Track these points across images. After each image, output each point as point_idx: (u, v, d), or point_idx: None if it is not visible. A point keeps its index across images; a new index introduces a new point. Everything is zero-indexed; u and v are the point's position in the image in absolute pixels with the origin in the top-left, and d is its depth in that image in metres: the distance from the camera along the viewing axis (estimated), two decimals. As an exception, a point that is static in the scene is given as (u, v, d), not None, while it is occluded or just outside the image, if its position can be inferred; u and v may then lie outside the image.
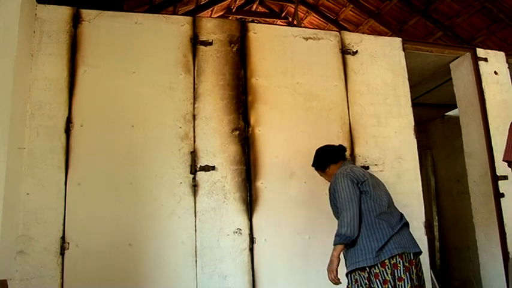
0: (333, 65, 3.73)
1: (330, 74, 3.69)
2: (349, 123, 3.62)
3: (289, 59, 3.62)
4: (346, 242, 2.54)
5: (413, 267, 2.55)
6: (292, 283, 3.22)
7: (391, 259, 2.50)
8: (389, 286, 2.45)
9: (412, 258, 2.57)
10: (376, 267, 2.50)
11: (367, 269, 2.52)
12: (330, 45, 3.78)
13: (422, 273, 2.66)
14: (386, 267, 2.49)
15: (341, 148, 3.00)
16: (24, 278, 2.77)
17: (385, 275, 2.48)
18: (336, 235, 2.57)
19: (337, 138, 3.51)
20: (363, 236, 2.57)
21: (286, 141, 3.43)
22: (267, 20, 8.65)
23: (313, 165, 3.04)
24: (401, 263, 2.50)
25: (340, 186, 2.64)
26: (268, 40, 3.63)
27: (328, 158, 2.96)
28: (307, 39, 3.74)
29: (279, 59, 3.60)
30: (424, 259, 3.48)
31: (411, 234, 2.70)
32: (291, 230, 3.29)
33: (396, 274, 2.48)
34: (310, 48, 3.72)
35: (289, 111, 3.50)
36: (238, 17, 8.25)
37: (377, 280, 2.49)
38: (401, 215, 2.72)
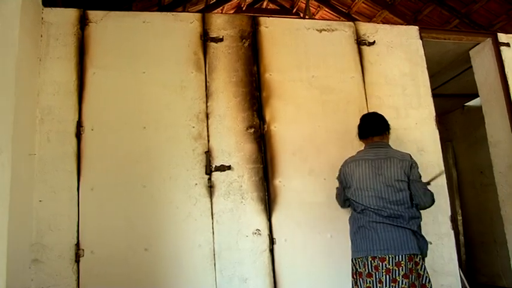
0: (348, 57, 3.59)
1: (346, 66, 3.56)
2: (368, 116, 3.48)
3: (303, 52, 3.50)
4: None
5: (400, 269, 2.40)
6: (315, 284, 3.10)
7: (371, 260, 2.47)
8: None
9: (400, 260, 2.42)
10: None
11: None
12: (345, 36, 3.65)
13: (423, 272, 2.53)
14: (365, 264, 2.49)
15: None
16: (40, 286, 2.72)
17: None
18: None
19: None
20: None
21: (303, 137, 3.31)
22: (278, 16, 8.55)
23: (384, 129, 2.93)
24: (381, 265, 2.43)
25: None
26: (280, 34, 3.52)
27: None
28: (320, 31, 3.61)
29: (292, 52, 3.48)
30: (451, 255, 3.39)
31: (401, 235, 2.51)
32: (312, 229, 3.17)
33: (377, 276, 2.42)
34: (325, 40, 3.59)
35: (306, 106, 3.38)
36: (249, 14, 8.15)
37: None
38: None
